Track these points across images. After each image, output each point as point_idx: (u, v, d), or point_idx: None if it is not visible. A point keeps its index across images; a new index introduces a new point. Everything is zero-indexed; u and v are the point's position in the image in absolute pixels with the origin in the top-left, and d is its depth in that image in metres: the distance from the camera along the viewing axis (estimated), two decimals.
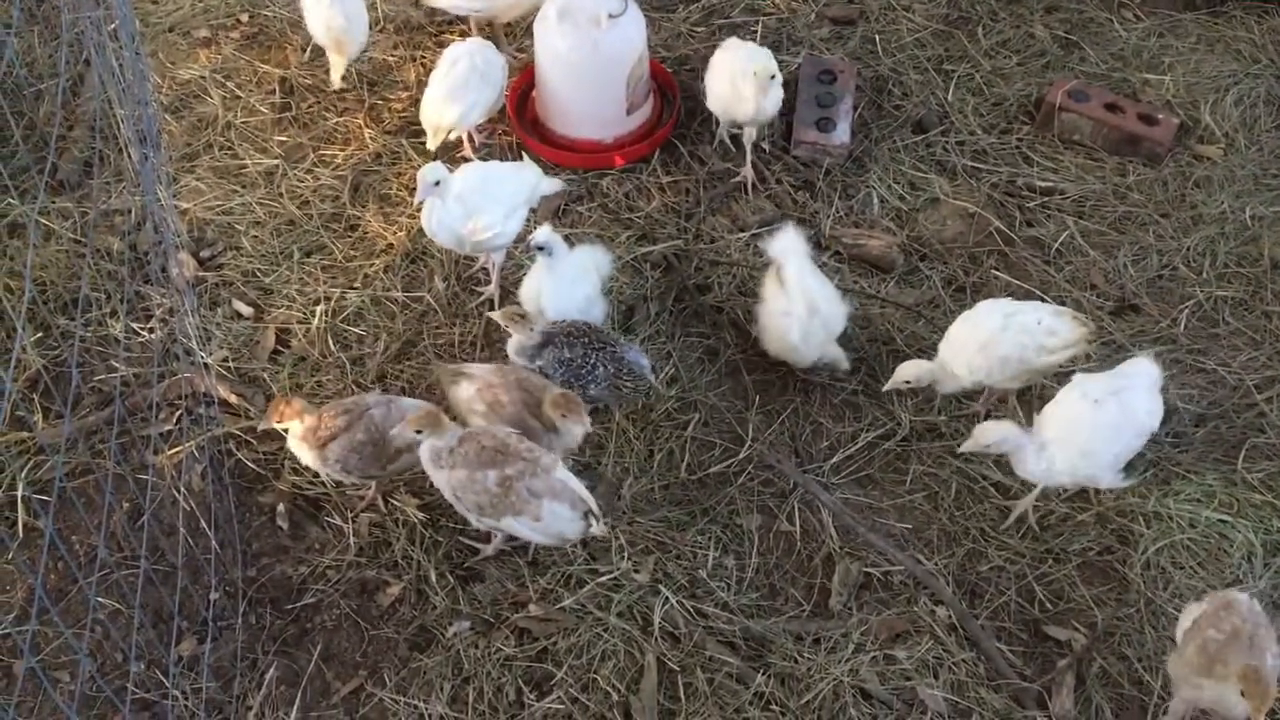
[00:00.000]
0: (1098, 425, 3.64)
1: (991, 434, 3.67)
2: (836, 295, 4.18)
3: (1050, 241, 4.78)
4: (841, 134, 5.00)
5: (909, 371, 3.99)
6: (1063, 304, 4.49)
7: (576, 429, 3.72)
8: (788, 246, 4.12)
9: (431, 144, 4.81)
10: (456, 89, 4.70)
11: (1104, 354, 4.36)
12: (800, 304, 4.05)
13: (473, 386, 3.81)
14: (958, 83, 5.36)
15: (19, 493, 3.85)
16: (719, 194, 4.88)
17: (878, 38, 5.57)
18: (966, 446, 3.72)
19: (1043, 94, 5.21)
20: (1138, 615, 3.71)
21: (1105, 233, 4.82)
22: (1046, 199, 4.94)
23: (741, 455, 4.11)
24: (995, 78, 5.39)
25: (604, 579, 3.75)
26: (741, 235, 4.74)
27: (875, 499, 4.03)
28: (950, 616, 3.71)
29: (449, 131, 4.77)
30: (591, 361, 3.92)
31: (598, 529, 3.61)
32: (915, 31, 5.60)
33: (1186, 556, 3.84)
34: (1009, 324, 3.89)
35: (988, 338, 3.89)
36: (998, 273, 4.66)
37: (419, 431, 3.54)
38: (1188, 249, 4.75)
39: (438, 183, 4.12)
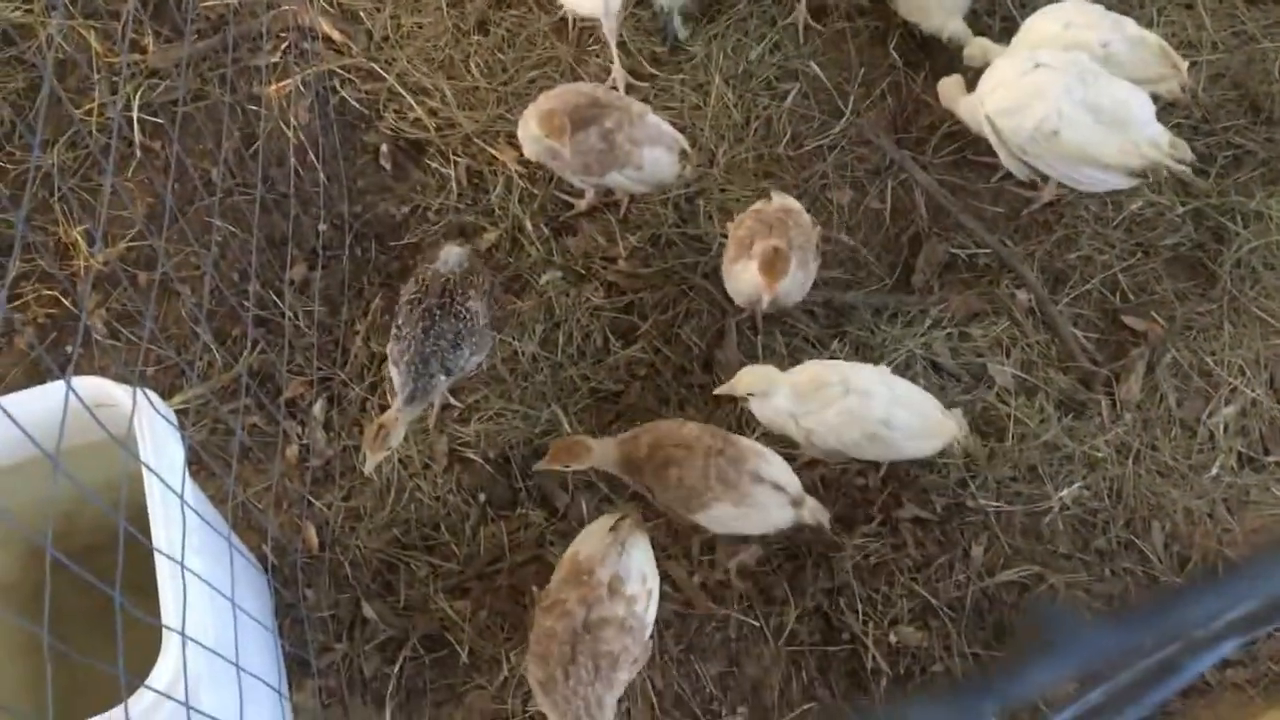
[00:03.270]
0: None
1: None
2: None
3: None
4: None
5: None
6: None
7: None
8: None
9: None
10: None
11: (1234, 45, 4.14)
12: None
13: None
14: None
15: (134, 114, 3.97)
16: None
17: None
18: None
19: None
20: (1219, 311, 3.73)
21: None
22: None
23: (838, 129, 4.07)
24: None
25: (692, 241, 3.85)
26: None
27: (970, 181, 4.00)
28: (1030, 300, 3.76)
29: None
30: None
31: (690, 170, 3.68)
32: None
33: None
34: (1061, 36, 3.62)
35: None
36: None
37: None
38: None
39: None
